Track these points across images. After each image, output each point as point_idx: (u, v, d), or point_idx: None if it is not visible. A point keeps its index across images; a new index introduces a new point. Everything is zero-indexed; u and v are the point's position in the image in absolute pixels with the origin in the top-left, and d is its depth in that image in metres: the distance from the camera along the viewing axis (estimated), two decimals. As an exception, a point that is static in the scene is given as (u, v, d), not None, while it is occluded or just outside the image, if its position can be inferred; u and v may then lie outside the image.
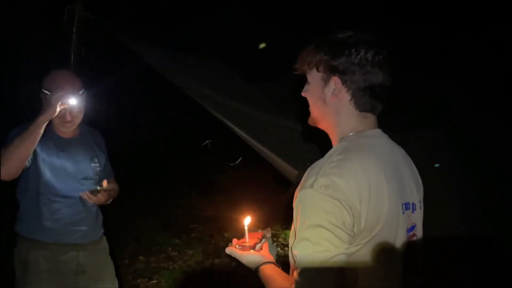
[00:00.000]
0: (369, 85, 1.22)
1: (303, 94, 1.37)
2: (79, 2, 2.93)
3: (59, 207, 2.33)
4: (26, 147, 2.12)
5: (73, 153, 2.41)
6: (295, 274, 1.13)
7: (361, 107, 1.25)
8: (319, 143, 2.59)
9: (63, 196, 2.35)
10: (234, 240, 1.56)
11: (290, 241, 1.26)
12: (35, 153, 2.24)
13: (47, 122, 2.29)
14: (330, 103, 1.27)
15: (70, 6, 2.95)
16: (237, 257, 1.48)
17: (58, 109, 2.14)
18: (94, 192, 2.32)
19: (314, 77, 1.30)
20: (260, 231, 1.59)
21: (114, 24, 2.89)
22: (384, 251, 1.16)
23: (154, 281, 4.50)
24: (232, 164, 9.61)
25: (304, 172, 2.13)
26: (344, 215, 1.09)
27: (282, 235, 5.68)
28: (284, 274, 1.35)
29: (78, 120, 2.37)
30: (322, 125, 1.34)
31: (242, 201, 6.92)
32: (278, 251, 5.18)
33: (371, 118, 1.29)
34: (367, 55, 1.20)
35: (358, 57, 1.20)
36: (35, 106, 2.35)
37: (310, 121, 1.38)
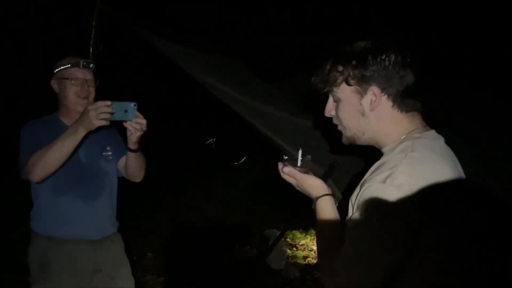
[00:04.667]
0: (406, 87, 1.21)
1: (328, 114, 1.34)
2: (100, -4, 2.92)
3: (74, 202, 2.28)
4: (64, 154, 2.07)
5: (85, 144, 2.30)
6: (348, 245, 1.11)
7: (405, 109, 1.24)
8: (340, 143, 2.59)
9: (77, 190, 2.30)
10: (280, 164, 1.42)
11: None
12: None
13: (55, 114, 2.34)
14: (369, 114, 1.25)
15: (90, 0, 2.94)
16: (298, 179, 1.37)
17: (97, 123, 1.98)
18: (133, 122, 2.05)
19: (344, 92, 1.26)
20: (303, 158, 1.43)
21: (134, 19, 2.87)
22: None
23: (162, 279, 4.49)
24: (236, 163, 9.63)
25: (330, 171, 2.11)
26: (415, 215, 1.07)
27: (290, 236, 5.67)
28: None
29: (92, 97, 2.32)
30: (364, 140, 1.30)
31: (249, 200, 6.94)
32: (287, 252, 5.17)
33: (418, 116, 1.28)
34: (397, 58, 1.19)
35: (391, 61, 1.19)
36: (50, 99, 2.36)
37: (345, 141, 1.34)
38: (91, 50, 3.02)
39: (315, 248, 5.35)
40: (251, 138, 3.03)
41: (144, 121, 2.06)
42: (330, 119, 1.38)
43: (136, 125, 2.05)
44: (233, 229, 5.76)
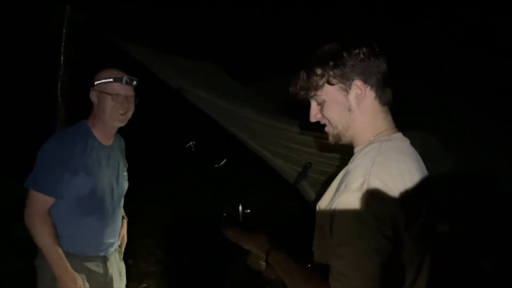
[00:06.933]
0: (384, 75, 1.26)
1: (315, 119, 1.36)
2: (70, 3, 2.88)
3: (97, 224, 2.22)
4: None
5: (113, 163, 2.29)
6: (333, 278, 1.11)
7: (384, 100, 1.28)
8: (317, 145, 2.62)
9: (101, 212, 2.23)
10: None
11: (316, 241, 1.28)
12: (77, 167, 2.11)
13: (85, 122, 2.24)
14: (356, 108, 1.27)
15: (60, 7, 2.89)
16: (245, 238, 1.48)
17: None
18: None
19: (329, 93, 1.29)
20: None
21: (106, 25, 2.85)
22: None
23: (144, 285, 4.45)
24: (216, 165, 9.60)
25: (304, 173, 2.13)
26: (393, 218, 1.09)
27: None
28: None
29: (131, 113, 2.25)
30: (347, 137, 1.32)
31: (232, 202, 6.92)
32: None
33: (389, 113, 1.32)
34: (369, 49, 1.24)
35: (363, 53, 1.23)
36: (22, 106, 2.30)
37: (333, 140, 1.36)
38: (62, 58, 2.99)
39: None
40: (231, 139, 3.03)
41: None
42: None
43: None
44: (214, 232, 5.74)
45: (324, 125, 1.36)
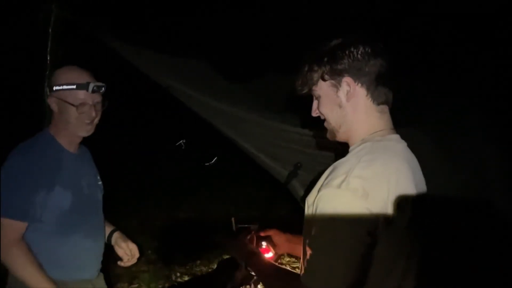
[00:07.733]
0: (378, 74, 1.26)
1: (315, 113, 1.39)
2: (56, 1, 2.83)
3: (81, 240, 1.98)
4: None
5: (84, 171, 2.07)
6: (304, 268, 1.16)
7: (377, 99, 1.29)
8: (307, 144, 2.62)
9: (86, 228, 2.01)
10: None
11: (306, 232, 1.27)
12: (51, 181, 1.86)
13: (48, 132, 1.99)
14: (346, 105, 1.29)
15: (46, 5, 2.85)
16: (229, 245, 1.63)
17: None
18: None
19: (322, 88, 1.32)
20: (246, 226, 1.70)
21: (94, 24, 2.80)
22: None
23: (135, 285, 4.43)
24: (207, 163, 9.60)
25: (295, 172, 2.13)
26: (369, 219, 1.10)
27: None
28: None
29: (97, 120, 1.99)
30: (342, 132, 1.34)
31: (221, 201, 6.93)
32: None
33: (387, 114, 1.32)
34: (366, 48, 1.26)
35: (359, 52, 1.25)
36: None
37: (329, 135, 1.39)
38: (48, 58, 2.94)
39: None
40: (222, 138, 3.03)
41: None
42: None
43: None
44: (204, 230, 5.74)
45: (324, 121, 1.39)
